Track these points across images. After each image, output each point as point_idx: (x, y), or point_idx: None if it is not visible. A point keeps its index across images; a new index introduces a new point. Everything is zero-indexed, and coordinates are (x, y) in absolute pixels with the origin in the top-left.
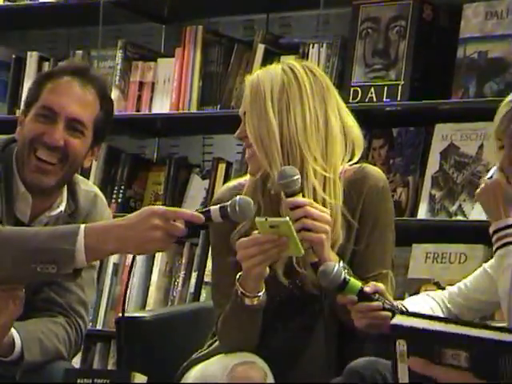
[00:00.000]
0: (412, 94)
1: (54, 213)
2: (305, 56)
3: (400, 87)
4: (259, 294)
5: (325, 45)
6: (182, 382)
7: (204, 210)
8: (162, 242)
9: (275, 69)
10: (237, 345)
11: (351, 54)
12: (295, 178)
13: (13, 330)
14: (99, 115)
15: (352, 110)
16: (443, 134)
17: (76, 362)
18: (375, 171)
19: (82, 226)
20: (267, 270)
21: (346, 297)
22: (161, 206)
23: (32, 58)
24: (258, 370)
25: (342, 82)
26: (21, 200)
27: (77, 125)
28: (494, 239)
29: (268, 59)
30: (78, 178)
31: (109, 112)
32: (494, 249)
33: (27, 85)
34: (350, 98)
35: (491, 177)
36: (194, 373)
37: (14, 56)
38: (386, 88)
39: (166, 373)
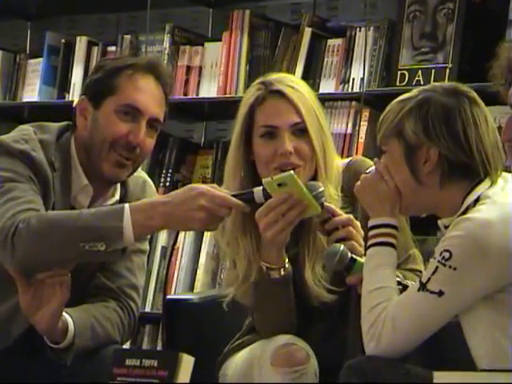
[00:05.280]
0: (460, 77)
1: (110, 202)
2: (352, 39)
3: (448, 70)
4: (284, 263)
5: (372, 28)
6: (222, 369)
7: (246, 191)
8: (206, 222)
9: None
10: (275, 324)
11: (398, 37)
12: (320, 190)
13: (66, 316)
14: (166, 111)
15: (399, 94)
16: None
17: (125, 344)
18: (364, 163)
19: (127, 205)
20: (288, 236)
21: (356, 277)
22: (209, 188)
23: (81, 43)
24: (302, 351)
25: (389, 66)
26: (82, 192)
27: (155, 123)
28: (369, 235)
29: (315, 43)
30: None
31: (168, 106)
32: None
33: (77, 69)
34: (397, 81)
35: (369, 172)
36: (237, 359)
37: (63, 41)
38: (433, 71)
39: (213, 354)
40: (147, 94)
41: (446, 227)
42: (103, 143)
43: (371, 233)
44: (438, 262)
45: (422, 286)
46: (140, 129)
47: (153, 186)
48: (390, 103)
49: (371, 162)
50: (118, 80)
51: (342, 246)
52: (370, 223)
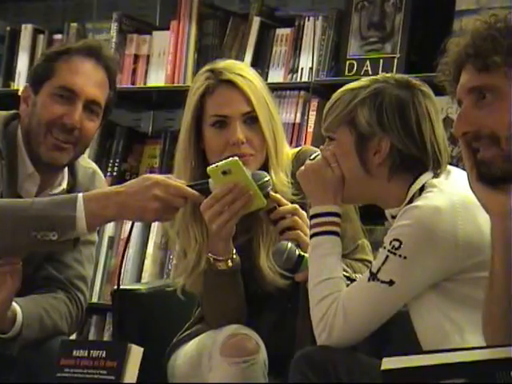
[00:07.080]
0: (407, 67)
1: (56, 190)
2: (300, 29)
3: (396, 60)
4: (231, 255)
5: (320, 17)
6: (171, 360)
7: (202, 181)
8: (160, 212)
9: None
10: (223, 314)
11: (347, 27)
12: (266, 179)
13: (15, 306)
14: (109, 95)
15: (347, 83)
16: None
17: (72, 335)
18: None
19: (80, 194)
20: (234, 228)
21: (305, 274)
22: (164, 178)
23: (27, 31)
24: (251, 341)
25: (337, 55)
26: (28, 180)
27: (94, 106)
28: (311, 224)
29: (263, 32)
30: None
31: (115, 91)
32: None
33: (22, 57)
34: (346, 71)
35: (314, 158)
36: (186, 349)
37: (8, 28)
38: (381, 61)
39: (161, 345)
40: (83, 76)
41: (394, 217)
42: (39, 126)
43: (314, 221)
44: (388, 251)
45: (373, 276)
46: (75, 110)
47: (102, 176)
48: None
49: None
50: (56, 64)
51: (290, 244)
52: (313, 211)
